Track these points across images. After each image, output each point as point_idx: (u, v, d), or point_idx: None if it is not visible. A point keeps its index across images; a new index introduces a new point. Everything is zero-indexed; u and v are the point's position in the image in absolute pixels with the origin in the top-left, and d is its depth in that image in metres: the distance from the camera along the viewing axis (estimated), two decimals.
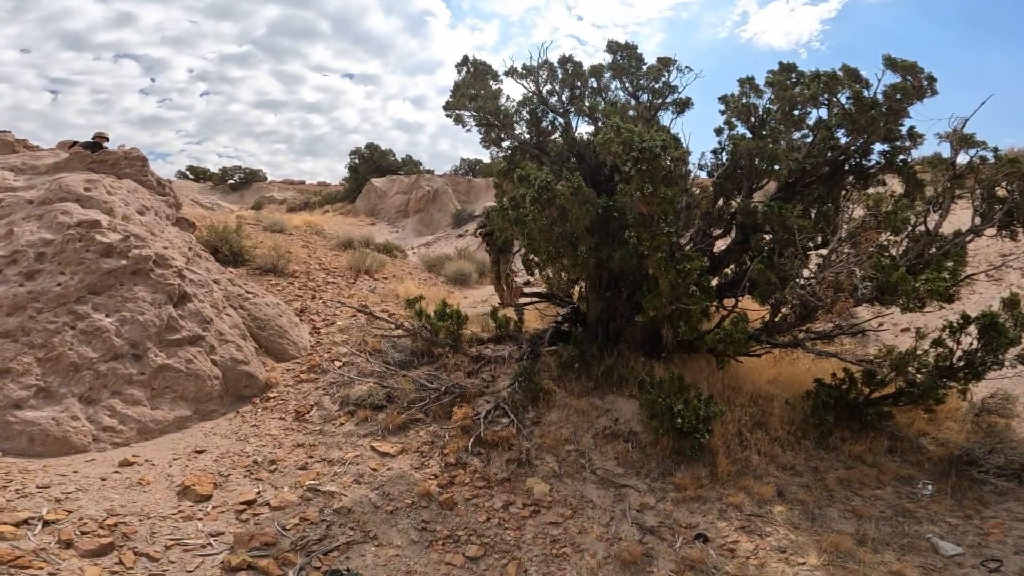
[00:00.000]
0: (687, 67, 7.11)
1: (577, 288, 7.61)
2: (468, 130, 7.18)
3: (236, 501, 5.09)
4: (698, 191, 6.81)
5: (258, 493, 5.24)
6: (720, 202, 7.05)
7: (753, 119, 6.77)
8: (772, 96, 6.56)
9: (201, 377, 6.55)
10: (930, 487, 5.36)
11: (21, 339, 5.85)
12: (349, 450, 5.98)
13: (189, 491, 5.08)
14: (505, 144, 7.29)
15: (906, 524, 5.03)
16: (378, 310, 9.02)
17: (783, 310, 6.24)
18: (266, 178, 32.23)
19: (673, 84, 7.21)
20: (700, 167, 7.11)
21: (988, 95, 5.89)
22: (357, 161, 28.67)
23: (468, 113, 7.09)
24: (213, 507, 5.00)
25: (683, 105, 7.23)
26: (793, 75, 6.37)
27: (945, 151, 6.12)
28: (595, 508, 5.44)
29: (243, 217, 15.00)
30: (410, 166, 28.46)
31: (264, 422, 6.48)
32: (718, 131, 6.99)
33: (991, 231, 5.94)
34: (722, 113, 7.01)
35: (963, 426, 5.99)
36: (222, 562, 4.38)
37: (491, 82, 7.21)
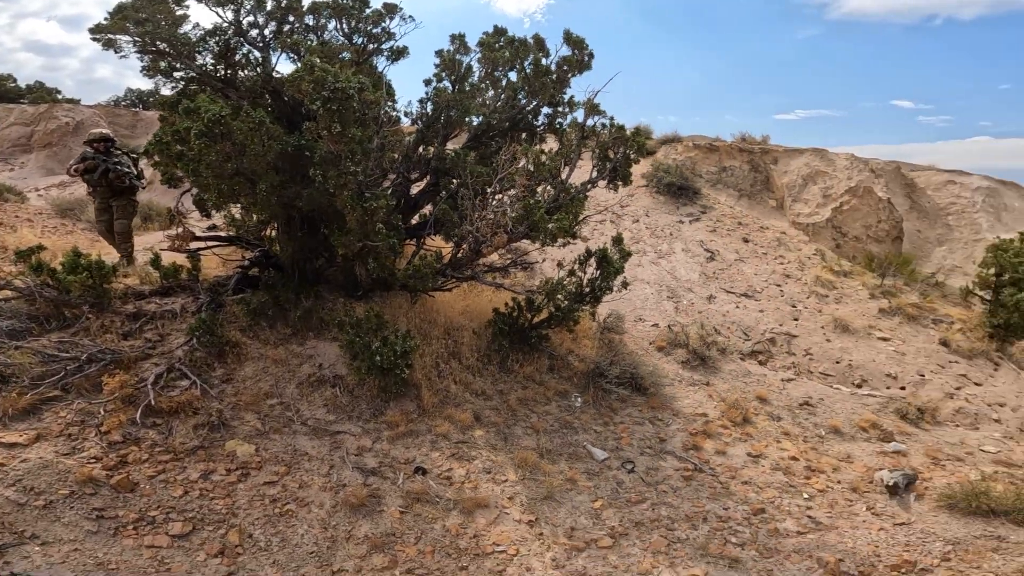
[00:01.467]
0: (410, 16, 7.02)
1: (268, 230, 6.84)
2: (124, 56, 5.89)
3: None
4: (397, 134, 6.85)
5: None
6: (420, 149, 7.30)
7: (457, 74, 7.14)
8: (480, 56, 6.98)
9: None
10: (579, 399, 6.72)
11: None
12: None
13: None
14: (179, 75, 6.29)
15: (569, 434, 6.19)
16: None
17: (463, 247, 6.87)
18: None
19: (392, 31, 7.06)
20: (406, 114, 7.23)
21: (615, 74, 7.37)
22: None
23: (127, 38, 5.55)
24: None
25: (399, 53, 7.13)
26: (502, 39, 6.87)
27: (580, 117, 7.42)
28: (312, 459, 5.20)
29: None
30: (39, 93, 22.41)
31: None
32: (427, 82, 7.23)
33: (603, 183, 7.38)
34: (435, 66, 7.23)
35: (594, 343, 7.69)
36: None
37: (173, 5, 5.97)
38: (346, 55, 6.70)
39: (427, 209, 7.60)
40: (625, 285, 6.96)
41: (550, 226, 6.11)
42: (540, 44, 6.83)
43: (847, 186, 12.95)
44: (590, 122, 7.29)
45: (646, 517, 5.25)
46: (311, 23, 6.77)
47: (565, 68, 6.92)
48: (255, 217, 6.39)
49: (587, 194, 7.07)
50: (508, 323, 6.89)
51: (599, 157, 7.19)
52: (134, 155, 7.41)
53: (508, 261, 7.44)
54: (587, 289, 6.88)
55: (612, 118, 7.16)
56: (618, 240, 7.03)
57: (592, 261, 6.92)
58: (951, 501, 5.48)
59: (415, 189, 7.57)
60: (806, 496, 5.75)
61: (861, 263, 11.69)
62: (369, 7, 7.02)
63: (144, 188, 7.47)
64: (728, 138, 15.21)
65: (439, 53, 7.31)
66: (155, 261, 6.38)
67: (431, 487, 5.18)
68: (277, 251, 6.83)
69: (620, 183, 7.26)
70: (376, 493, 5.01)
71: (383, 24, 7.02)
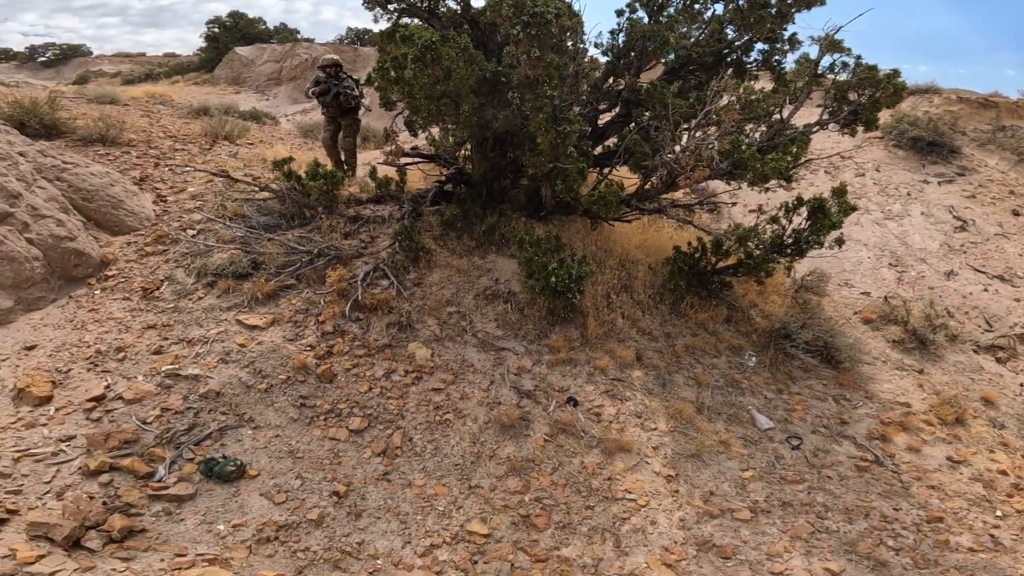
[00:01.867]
0: None
1: (463, 150, 7.23)
2: None
3: (82, 399, 4.58)
4: (589, 63, 6.54)
5: (107, 387, 4.73)
6: (610, 80, 6.96)
7: (653, 5, 6.50)
8: None
9: (17, 260, 5.43)
10: (754, 359, 6.20)
11: None
12: (211, 326, 5.48)
13: (25, 394, 4.44)
14: (391, 7, 6.67)
15: (734, 394, 5.83)
16: (240, 175, 7.80)
17: (652, 179, 6.48)
18: (91, 52, 27.33)
19: None
20: (596, 45, 6.82)
21: (872, 9, 6.11)
22: (217, 30, 24.63)
23: None
24: (56, 409, 4.47)
25: None
26: None
27: (815, 54, 6.45)
28: (476, 372, 5.64)
29: (60, 92, 11.35)
30: (284, 34, 25.40)
31: (104, 305, 5.64)
32: (619, 12, 6.64)
33: (835, 128, 6.42)
34: None
35: (784, 300, 6.90)
36: (80, 468, 4.05)
37: None
38: None
39: (612, 141, 7.33)
40: (840, 242, 6.04)
41: (763, 166, 5.54)
42: None
43: None
44: (826, 60, 6.34)
45: (797, 499, 4.90)
46: None
47: (789, 1, 5.83)
48: (451, 139, 6.72)
49: (809, 138, 6.13)
50: (688, 263, 6.48)
51: (835, 99, 6.30)
52: (358, 80, 8.05)
53: (694, 200, 6.87)
54: (790, 239, 6.11)
55: (859, 56, 6.17)
56: (840, 191, 6.09)
57: (803, 210, 6.08)
58: None
59: (602, 120, 7.30)
60: (999, 514, 4.83)
61: None
62: None
63: (368, 110, 8.21)
64: (1013, 95, 11.92)
65: None
66: (372, 173, 7.22)
67: (579, 420, 5.35)
68: (470, 170, 7.15)
69: (861, 127, 6.24)
70: (526, 416, 5.31)
71: None
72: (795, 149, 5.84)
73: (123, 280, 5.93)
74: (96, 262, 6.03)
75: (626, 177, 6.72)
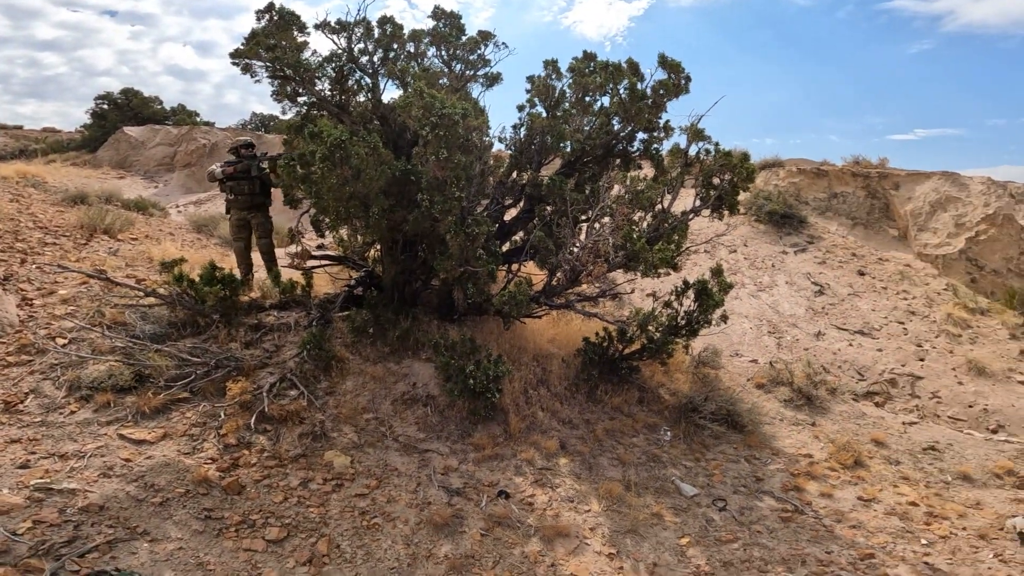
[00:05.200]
0: (503, 43, 7.32)
1: (372, 251, 7.30)
2: (258, 81, 6.41)
3: None
4: (493, 160, 7.08)
5: None
6: (514, 174, 7.46)
7: (550, 100, 7.26)
8: (571, 81, 7.10)
9: None
10: (669, 433, 6.52)
11: None
12: (88, 441, 4.80)
13: None
14: (301, 100, 6.72)
15: (656, 468, 6.03)
16: (122, 276, 7.23)
17: (557, 274, 6.90)
18: None
19: (488, 58, 7.39)
20: (500, 139, 7.39)
21: (724, 96, 7.26)
22: (106, 106, 22.11)
23: (260, 64, 6.28)
24: None
25: (493, 79, 7.46)
26: (592, 64, 6.99)
27: (683, 142, 7.32)
28: (401, 475, 5.41)
29: None
30: (182, 116, 23.33)
31: None
32: (520, 108, 7.37)
33: (707, 212, 7.20)
34: (527, 92, 7.41)
35: (688, 377, 7.46)
36: None
37: (296, 34, 6.49)
38: (445, 81, 7.04)
39: (519, 236, 7.71)
40: (724, 319, 6.72)
41: (651, 257, 6.05)
42: (634, 68, 6.84)
43: (984, 213, 11.63)
44: (693, 148, 7.18)
45: (736, 557, 4.96)
46: (412, 50, 7.14)
47: (661, 92, 6.83)
48: (360, 239, 6.79)
49: (687, 224, 6.92)
50: (598, 353, 6.85)
51: (703, 185, 7.04)
52: (272, 158, 7.59)
53: (598, 291, 7.41)
54: (683, 321, 6.71)
55: (717, 143, 7.05)
56: (718, 271, 6.84)
57: (690, 292, 6.75)
58: None
59: (508, 216, 7.68)
60: (924, 542, 5.19)
61: (1001, 300, 10.44)
62: (465, 34, 7.34)
63: (280, 179, 7.70)
64: (838, 161, 14.17)
65: (531, 79, 7.45)
66: (277, 277, 7.02)
67: (513, 511, 5.20)
68: (380, 272, 7.20)
69: (727, 211, 7.06)
70: (459, 514, 5.10)
71: (479, 51, 7.33)
72: (676, 237, 6.54)
73: None
74: None
75: (533, 273, 7.14)
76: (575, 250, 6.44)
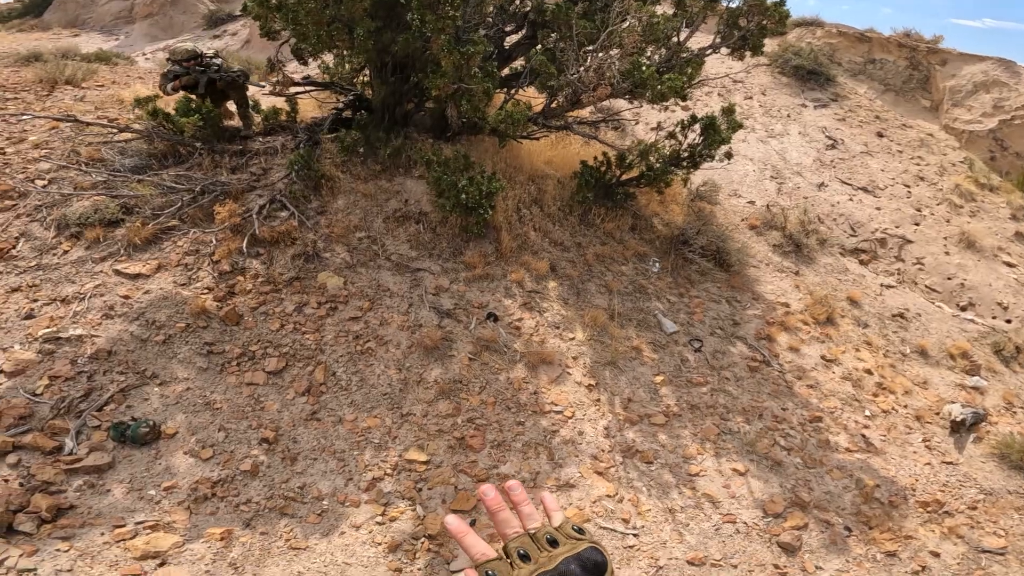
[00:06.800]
0: None
1: (360, 76, 6.65)
2: None
3: None
4: None
5: None
6: (517, 1, 6.72)
7: None
8: None
9: None
10: (657, 264, 6.59)
11: None
12: (85, 280, 4.87)
13: None
14: None
15: (641, 300, 6.21)
16: (92, 118, 6.55)
17: (558, 97, 6.46)
18: None
19: None
20: None
21: None
22: None
23: None
24: None
25: None
26: None
27: None
28: (393, 296, 5.53)
29: None
30: None
31: None
32: None
33: (726, 51, 6.66)
34: None
35: (683, 209, 7.30)
36: None
37: None
38: None
39: (519, 63, 7.16)
40: (729, 156, 6.51)
41: (660, 86, 5.66)
42: None
43: None
44: None
45: (703, 402, 5.44)
46: None
47: None
48: (347, 65, 6.16)
49: (703, 60, 6.36)
50: (595, 176, 6.61)
51: (726, 23, 6.47)
52: (239, 71, 6.47)
53: (599, 118, 6.92)
54: (686, 153, 6.46)
55: None
56: (729, 111, 6.53)
57: (696, 126, 6.45)
58: (1004, 451, 5.33)
59: (509, 43, 7.07)
60: (867, 414, 5.70)
61: (1014, 180, 10.15)
62: None
63: (262, 86, 7.07)
64: (886, 32, 12.99)
65: None
66: (256, 106, 6.52)
67: (501, 335, 5.47)
68: (370, 96, 6.70)
69: (749, 53, 6.54)
70: (449, 336, 5.34)
71: None
72: (690, 70, 6.10)
73: None
74: None
75: (533, 97, 6.63)
76: (580, 71, 5.86)
